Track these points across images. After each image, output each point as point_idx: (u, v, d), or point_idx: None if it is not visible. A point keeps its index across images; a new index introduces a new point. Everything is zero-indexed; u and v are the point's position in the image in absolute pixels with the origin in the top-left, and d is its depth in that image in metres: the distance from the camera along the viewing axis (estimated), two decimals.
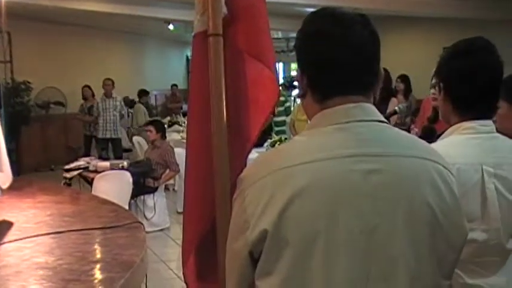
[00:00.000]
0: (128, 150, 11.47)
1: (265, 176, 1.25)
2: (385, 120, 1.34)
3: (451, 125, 1.88)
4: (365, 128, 1.29)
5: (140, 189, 6.79)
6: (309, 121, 1.41)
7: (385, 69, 6.72)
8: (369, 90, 1.35)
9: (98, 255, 2.51)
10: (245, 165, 2.05)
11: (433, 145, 1.83)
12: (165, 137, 7.62)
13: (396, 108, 4.15)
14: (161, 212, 7.14)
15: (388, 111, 6.26)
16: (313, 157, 1.24)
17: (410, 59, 11.27)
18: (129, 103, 13.51)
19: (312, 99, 1.36)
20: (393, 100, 6.49)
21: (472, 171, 1.74)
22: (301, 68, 1.38)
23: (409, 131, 5.51)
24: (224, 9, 2.01)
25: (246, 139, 2.08)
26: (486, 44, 1.85)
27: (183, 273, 2.09)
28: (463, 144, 1.80)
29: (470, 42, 1.87)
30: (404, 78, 8.21)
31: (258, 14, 2.03)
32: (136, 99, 13.09)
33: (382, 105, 6.26)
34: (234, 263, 1.34)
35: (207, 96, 1.97)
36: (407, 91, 8.14)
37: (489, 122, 1.84)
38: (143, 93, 13.01)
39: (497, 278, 1.83)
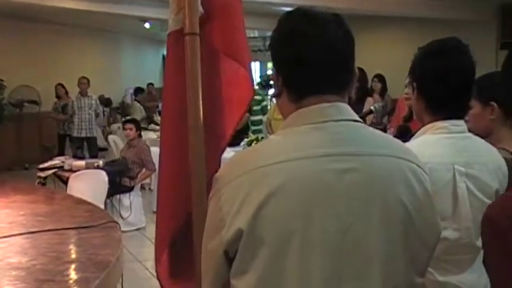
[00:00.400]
0: (104, 149, 11.39)
1: (241, 175, 1.26)
2: (360, 120, 1.36)
3: (424, 124, 1.91)
4: (340, 127, 1.30)
5: (116, 188, 6.74)
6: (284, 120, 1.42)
7: (360, 69, 6.78)
8: (344, 90, 1.36)
9: (73, 255, 2.50)
10: (219, 164, 2.06)
11: (406, 144, 1.86)
12: (142, 136, 7.58)
13: (372, 107, 4.19)
14: (137, 211, 7.11)
15: (364, 110, 6.32)
16: (289, 156, 1.25)
17: (387, 58, 11.35)
18: (105, 102, 13.46)
19: (287, 98, 1.36)
20: (369, 99, 6.54)
21: (444, 170, 1.77)
22: (276, 68, 1.38)
23: (385, 131, 5.56)
24: (200, 8, 2.01)
25: (221, 138, 2.09)
26: (459, 44, 1.88)
27: (156, 271, 2.09)
28: (435, 144, 1.83)
29: (444, 43, 1.90)
30: (381, 78, 8.30)
31: (233, 12, 2.03)
32: (130, 97, 13.11)
33: (358, 105, 6.31)
34: (209, 262, 1.34)
35: (182, 95, 1.97)
36: (384, 90, 8.22)
37: (461, 122, 1.87)
38: (139, 90, 13.04)
39: (468, 275, 1.86)
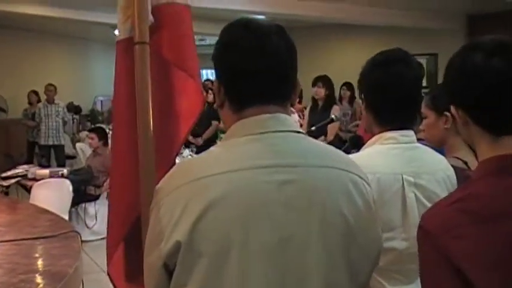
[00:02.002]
0: (72, 157, 11.25)
1: (180, 186, 1.24)
2: (301, 131, 1.35)
3: (373, 135, 1.91)
4: (280, 138, 1.29)
5: (81, 197, 6.67)
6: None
7: (327, 77, 6.79)
8: (285, 100, 1.35)
9: (29, 267, 2.44)
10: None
11: (356, 155, 1.86)
12: (108, 144, 7.50)
13: (332, 116, 4.22)
14: (103, 220, 6.98)
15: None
16: (227, 168, 1.23)
17: (356, 66, 11.41)
18: (74, 109, 13.31)
19: (229, 109, 1.35)
20: (335, 107, 6.55)
21: (392, 180, 1.77)
22: (218, 78, 1.37)
23: (358, 138, 5.58)
24: (151, 17, 1.99)
25: (170, 148, 2.08)
26: (404, 55, 1.89)
27: (107, 273, 2.05)
28: (384, 154, 1.83)
29: (388, 54, 1.90)
30: (349, 86, 8.35)
31: (181, 21, 2.02)
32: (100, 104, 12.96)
33: (324, 113, 6.32)
34: (149, 275, 1.32)
35: (131, 104, 1.96)
36: (352, 98, 8.27)
37: (410, 132, 1.87)
38: None
39: (417, 286, 1.86)
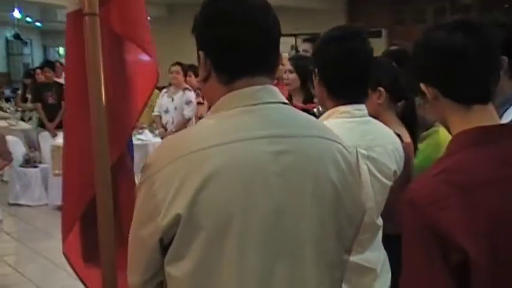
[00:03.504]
0: None
1: (175, 160, 1.24)
2: (288, 103, 1.38)
3: (327, 109, 1.98)
4: (272, 110, 1.32)
5: None
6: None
7: None
8: (273, 72, 1.38)
9: None
10: (123, 150, 2.01)
11: None
12: None
13: None
14: None
15: None
16: (223, 140, 1.24)
17: None
18: None
19: (216, 81, 1.35)
20: None
21: None
22: (204, 51, 1.36)
23: None
24: None
25: (125, 124, 2.02)
26: (358, 31, 1.97)
27: (63, 252, 1.98)
28: (339, 128, 1.87)
29: (341, 30, 1.97)
30: None
31: None
32: None
33: None
34: (141, 251, 1.30)
35: (83, 79, 1.88)
36: None
37: (363, 106, 1.96)
38: None
39: (370, 253, 1.97)
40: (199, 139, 1.26)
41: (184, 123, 6.85)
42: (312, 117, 1.49)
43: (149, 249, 1.27)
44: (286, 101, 1.38)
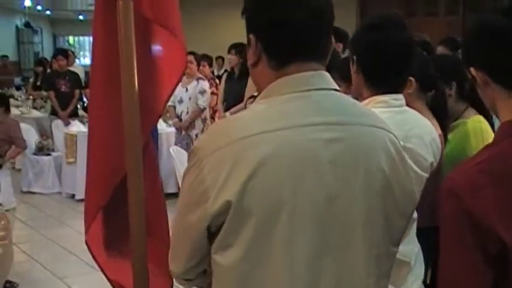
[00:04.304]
0: None
1: (226, 145, 1.21)
2: (340, 90, 1.35)
3: (363, 98, 1.95)
4: (324, 96, 1.29)
5: None
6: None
7: (242, 44, 6.74)
8: (325, 57, 1.34)
9: None
10: (148, 138, 1.98)
11: None
12: (9, 111, 7.04)
13: (256, 93, 4.17)
14: (6, 191, 6.61)
15: (248, 87, 6.32)
16: (275, 126, 1.22)
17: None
18: None
19: (267, 66, 1.32)
20: None
21: None
22: (255, 34, 1.32)
23: None
24: None
25: (153, 111, 2.00)
26: (399, 19, 1.93)
27: (85, 242, 1.96)
28: None
29: (384, 17, 1.94)
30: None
31: None
32: None
33: (241, 81, 6.33)
34: (187, 236, 1.28)
35: (112, 64, 1.86)
36: None
37: (400, 96, 1.93)
38: None
39: (405, 246, 1.88)
40: (249, 125, 1.24)
41: (199, 113, 6.83)
42: (365, 107, 1.46)
43: (196, 236, 1.25)
44: (338, 88, 1.35)
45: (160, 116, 2.04)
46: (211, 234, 1.24)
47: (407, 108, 1.96)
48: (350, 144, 1.26)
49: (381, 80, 1.91)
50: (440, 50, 3.86)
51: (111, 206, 1.94)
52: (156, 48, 2.00)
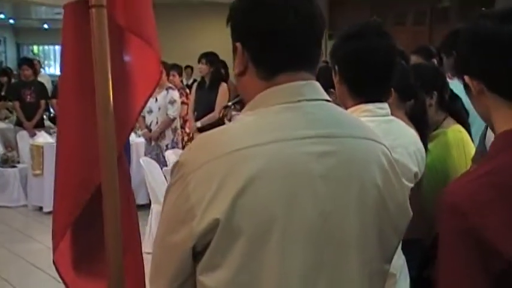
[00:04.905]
0: None
1: (213, 159, 1.14)
2: (331, 100, 1.29)
3: (347, 108, 1.90)
4: (315, 107, 1.23)
5: None
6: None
7: (212, 54, 6.64)
8: (315, 67, 1.29)
9: None
10: (121, 151, 1.90)
11: None
12: None
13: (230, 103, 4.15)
14: None
15: (219, 97, 6.27)
16: (267, 139, 1.15)
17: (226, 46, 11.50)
18: None
19: (255, 76, 1.25)
20: (223, 85, 6.47)
21: None
22: (241, 42, 1.26)
23: None
24: None
25: (126, 123, 1.91)
26: (378, 27, 1.90)
27: (53, 262, 1.85)
28: None
29: (363, 26, 1.91)
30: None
31: None
32: None
33: (212, 91, 6.27)
34: (171, 256, 1.20)
35: (83, 74, 1.78)
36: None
37: (385, 105, 1.89)
38: None
39: None
40: (238, 138, 1.17)
41: (169, 123, 6.73)
42: (356, 117, 1.41)
43: (180, 256, 1.17)
44: (329, 99, 1.29)
45: (133, 128, 1.94)
46: (197, 253, 1.16)
47: (393, 117, 1.93)
48: (342, 157, 1.21)
49: (364, 88, 1.87)
50: (414, 59, 3.87)
51: (82, 223, 1.85)
52: (130, 57, 1.91)
